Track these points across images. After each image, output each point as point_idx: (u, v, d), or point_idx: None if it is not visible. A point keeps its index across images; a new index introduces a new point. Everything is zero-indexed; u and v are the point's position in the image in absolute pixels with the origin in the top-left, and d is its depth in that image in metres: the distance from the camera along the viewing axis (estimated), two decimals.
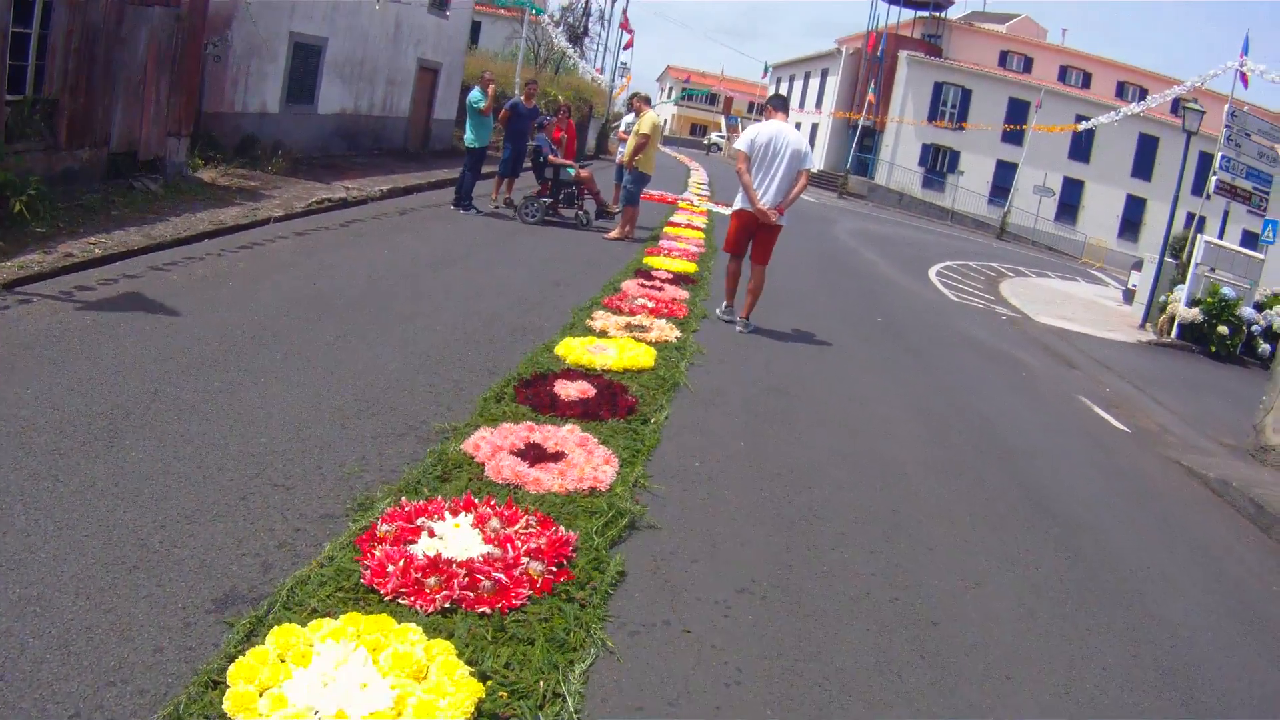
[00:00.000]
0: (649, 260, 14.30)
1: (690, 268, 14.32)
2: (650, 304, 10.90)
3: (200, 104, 15.56)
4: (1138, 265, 26.33)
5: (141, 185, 12.82)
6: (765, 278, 11.04)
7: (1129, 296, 24.71)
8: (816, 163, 57.27)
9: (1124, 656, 4.96)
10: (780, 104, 11.26)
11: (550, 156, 17.09)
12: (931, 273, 23.13)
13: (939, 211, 50.86)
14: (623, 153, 17.56)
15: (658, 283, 12.43)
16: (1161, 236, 50.97)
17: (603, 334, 9.32)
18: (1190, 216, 52.36)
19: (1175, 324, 18.40)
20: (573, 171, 17.23)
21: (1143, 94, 54.68)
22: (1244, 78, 22.73)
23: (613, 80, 43.94)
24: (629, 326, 9.69)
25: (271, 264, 10.53)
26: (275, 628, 3.55)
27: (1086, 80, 57.55)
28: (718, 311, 11.33)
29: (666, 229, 19.03)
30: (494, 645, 3.73)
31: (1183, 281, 18.97)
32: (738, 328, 10.85)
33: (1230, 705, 4.77)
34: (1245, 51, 22.74)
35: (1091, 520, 7.08)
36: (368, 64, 22.63)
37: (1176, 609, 5.78)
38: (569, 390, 7.17)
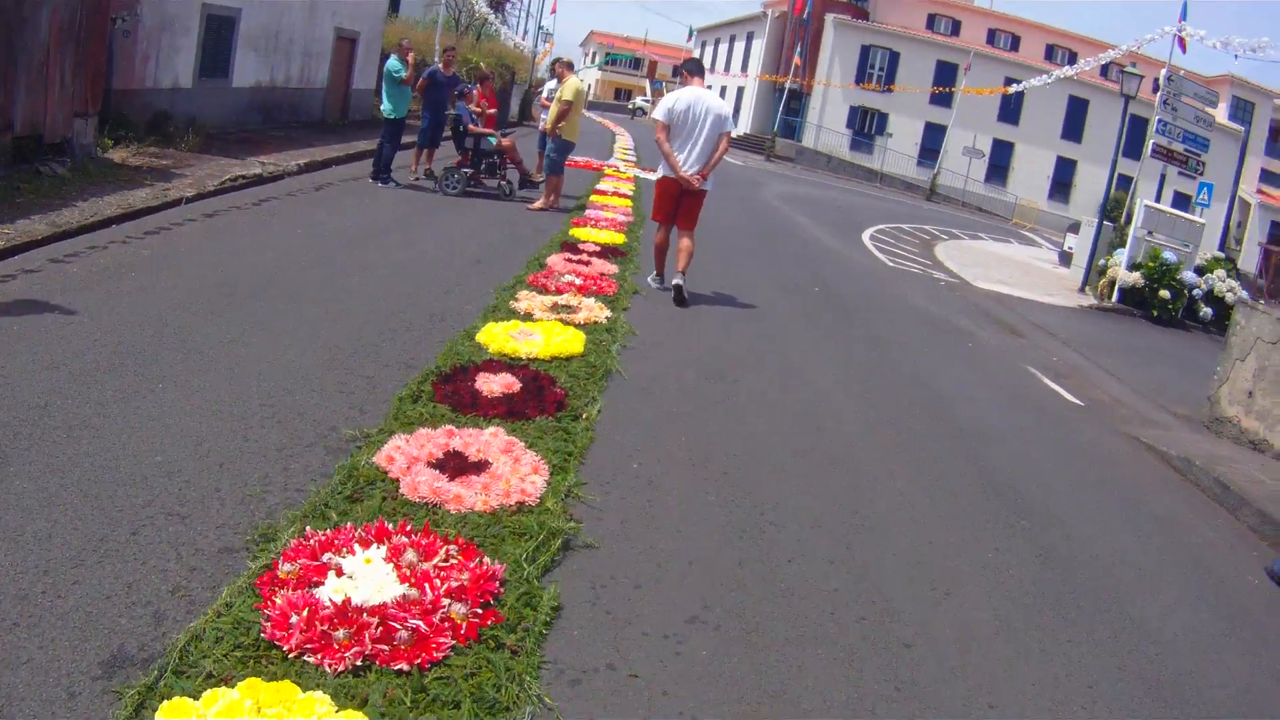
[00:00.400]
0: (575, 232, 13.73)
1: (618, 238, 13.77)
2: (578, 280, 10.33)
3: (109, 82, 14.90)
4: (1073, 228, 26.24)
5: (48, 169, 12.06)
6: (694, 241, 10.87)
7: (1065, 259, 24.63)
8: (742, 126, 57.73)
9: (1109, 670, 4.55)
10: (695, 68, 11.12)
11: (470, 126, 16.41)
12: (865, 237, 22.76)
13: (867, 174, 50.66)
14: (545, 120, 16.85)
15: (585, 256, 11.86)
16: (1094, 198, 52.00)
17: (528, 317, 8.74)
18: (1123, 179, 53.35)
19: (1116, 288, 18.23)
20: (494, 140, 16.57)
21: (1072, 57, 54.93)
22: (1181, 42, 22.53)
23: (535, 46, 43.11)
24: (556, 307, 9.12)
25: (178, 250, 9.74)
26: (164, 703, 3.06)
27: (1015, 43, 57.63)
28: (648, 280, 11.29)
29: (592, 197, 18.43)
30: (414, 710, 3.23)
31: (1122, 245, 18.78)
32: (674, 280, 10.67)
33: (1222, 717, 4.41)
34: (1184, 16, 22.50)
35: (1058, 510, 6.66)
36: (284, 35, 21.77)
37: (1155, 610, 5.38)
38: (492, 385, 6.59)
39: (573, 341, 7.89)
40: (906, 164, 51.32)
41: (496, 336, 7.80)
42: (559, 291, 9.80)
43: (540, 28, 46.09)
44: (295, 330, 7.57)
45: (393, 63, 16.18)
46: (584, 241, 13.03)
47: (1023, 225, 44.48)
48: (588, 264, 11.39)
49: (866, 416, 8.01)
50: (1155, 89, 50.86)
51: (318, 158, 17.78)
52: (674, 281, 10.64)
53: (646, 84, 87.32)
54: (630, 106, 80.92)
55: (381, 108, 16.50)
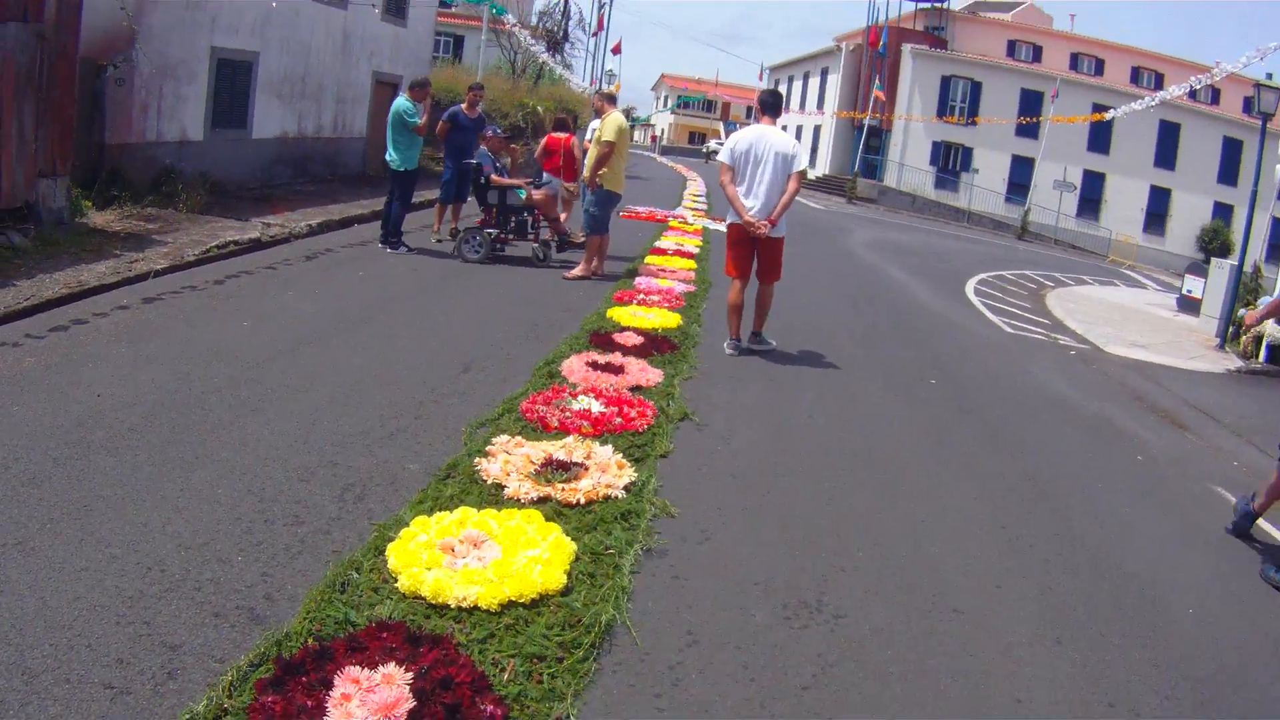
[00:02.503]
0: (615, 313, 10.37)
1: (671, 320, 10.37)
2: (597, 405, 7.00)
3: (101, 136, 13.50)
4: (1193, 268, 22.83)
5: (3, 239, 10.20)
6: (773, 296, 9.95)
7: (1185, 305, 21.35)
8: (821, 166, 54.18)
9: None
10: (770, 103, 9.83)
11: (494, 177, 13.11)
12: (969, 290, 19.36)
13: (954, 213, 46.79)
14: (585, 167, 13.45)
15: (618, 356, 8.49)
16: (1191, 230, 47.80)
17: (495, 493, 5.45)
18: (1218, 206, 49.01)
19: (1264, 345, 14.95)
20: (523, 194, 13.23)
21: (1159, 79, 50.97)
22: None
23: (599, 87, 39.92)
24: (548, 469, 5.78)
25: (73, 358, 7.22)
26: None
27: (1099, 67, 53.52)
28: (724, 345, 9.84)
29: (648, 259, 15.08)
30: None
31: (1265, 292, 15.09)
32: (754, 346, 9.91)
33: None
34: None
35: None
36: (312, 80, 19.55)
37: None
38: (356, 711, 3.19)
39: (549, 568, 4.48)
40: (994, 201, 47.37)
41: (414, 556, 4.47)
42: (562, 430, 6.47)
43: (608, 71, 43.06)
44: (134, 512, 4.79)
45: (403, 103, 13.25)
46: (623, 329, 9.66)
47: (1121, 263, 40.38)
48: (619, 370, 8.04)
49: (1031, 612, 4.76)
50: (1245, 109, 46.99)
51: (336, 216, 15.33)
52: (754, 347, 9.83)
53: (720, 126, 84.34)
54: (704, 150, 77.90)
55: (387, 158, 13.45)
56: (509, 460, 5.74)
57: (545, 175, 14.82)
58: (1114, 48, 54.68)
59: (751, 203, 9.34)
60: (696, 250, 17.03)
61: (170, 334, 8.12)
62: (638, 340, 9.13)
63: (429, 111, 13.81)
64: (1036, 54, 53.67)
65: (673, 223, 21.26)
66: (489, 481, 5.51)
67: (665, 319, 10.34)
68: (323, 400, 6.81)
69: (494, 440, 6.11)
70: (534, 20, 40.60)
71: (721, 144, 60.76)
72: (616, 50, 47.52)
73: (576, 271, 12.72)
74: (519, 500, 5.30)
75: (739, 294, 9.68)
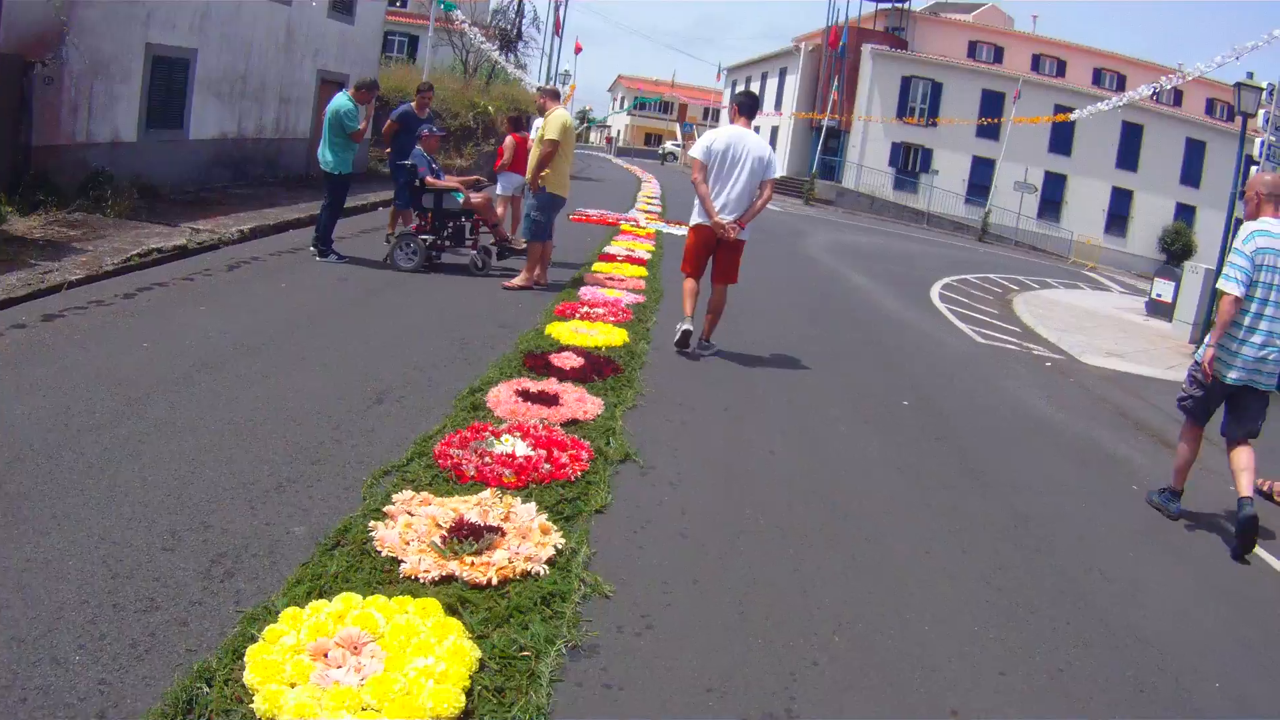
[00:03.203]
0: (554, 330, 9.33)
1: (616, 337, 9.36)
2: (522, 448, 5.94)
3: (28, 138, 12.63)
4: (1163, 272, 22.15)
5: None
6: (727, 297, 9.66)
7: (1155, 309, 20.67)
8: (779, 167, 53.11)
9: None
10: (747, 104, 9.60)
11: (429, 179, 12.06)
12: (934, 295, 18.56)
13: (913, 214, 46.06)
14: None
15: (553, 382, 7.50)
16: (1153, 231, 47.28)
17: (387, 575, 4.41)
18: (1180, 208, 48.58)
19: None
20: (461, 197, 12.18)
21: (1121, 80, 50.62)
22: None
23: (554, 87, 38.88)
24: (455, 540, 4.70)
25: None
26: None
27: (1061, 69, 53.09)
28: (678, 325, 9.52)
29: (596, 266, 14.06)
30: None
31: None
32: (701, 352, 9.55)
33: None
34: None
35: None
36: (253, 79, 18.53)
37: None
38: None
39: (444, 688, 3.47)
40: (954, 202, 46.68)
41: (277, 666, 3.50)
42: (480, 480, 5.42)
43: (563, 71, 42.02)
44: None
45: (343, 102, 12.15)
46: (562, 348, 8.64)
47: (1083, 265, 39.81)
48: (553, 400, 7.01)
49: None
50: (1208, 110, 46.50)
51: (270, 221, 14.30)
52: (688, 332, 9.43)
53: (676, 127, 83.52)
54: (660, 152, 76.94)
55: (320, 159, 12.31)
56: (410, 524, 4.72)
57: (502, 176, 13.93)
58: (1076, 49, 54.25)
59: (722, 203, 9.07)
60: (648, 256, 16.02)
61: (62, 358, 7.11)
62: (577, 362, 8.11)
63: (371, 115, 12.76)
64: (998, 55, 53.14)
65: (624, 226, 20.24)
66: (384, 553, 4.48)
67: (610, 335, 9.33)
68: (209, 441, 5.78)
69: (396, 496, 5.07)
70: (488, 19, 39.48)
71: (679, 145, 60.10)
72: (578, 49, 46.61)
73: (516, 281, 11.71)
74: (418, 579, 4.28)
75: (694, 286, 9.47)
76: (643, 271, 14.10)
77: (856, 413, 8.46)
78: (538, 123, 12.40)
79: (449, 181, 12.38)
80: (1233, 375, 6.66)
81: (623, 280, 12.97)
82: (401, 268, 11.97)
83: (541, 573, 4.41)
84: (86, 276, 9.71)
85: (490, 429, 6.16)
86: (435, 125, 13.21)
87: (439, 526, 4.74)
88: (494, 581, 4.28)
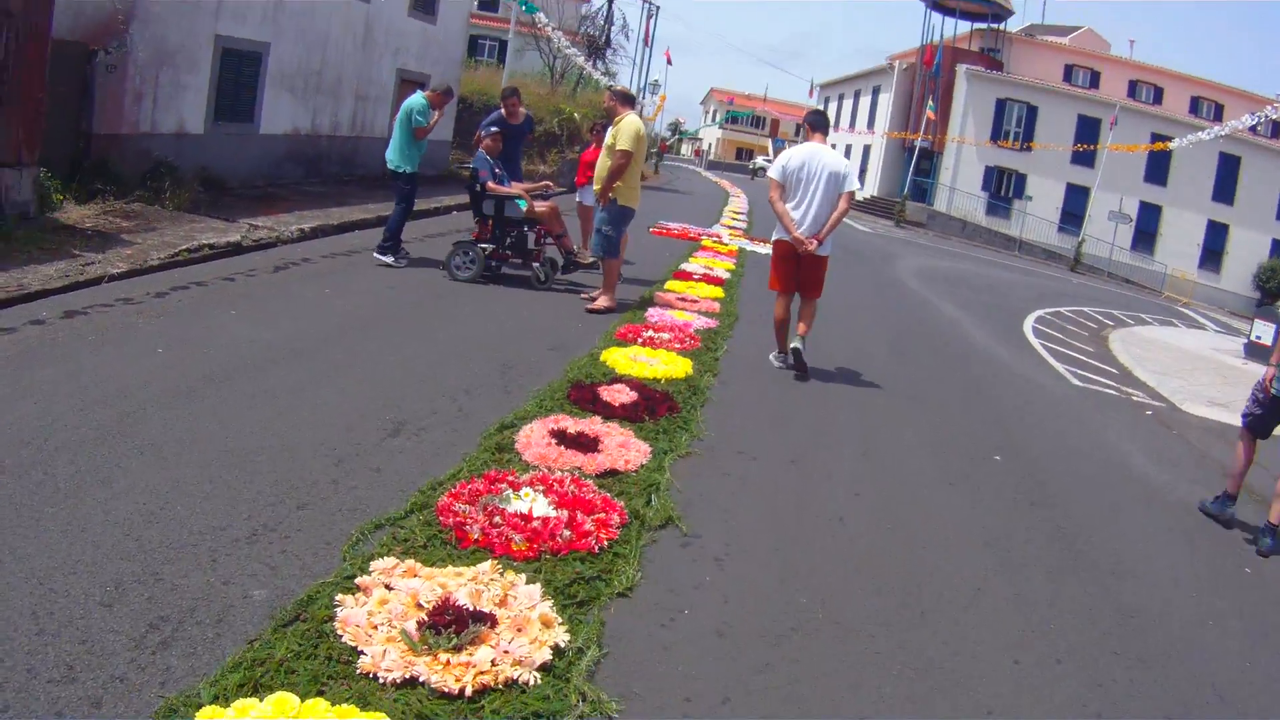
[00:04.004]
0: (610, 356, 8.36)
1: (679, 368, 8.36)
2: (542, 506, 4.99)
3: (89, 125, 12.37)
4: (1264, 313, 20.65)
5: None
6: (817, 311, 9.57)
7: (1253, 351, 19.14)
8: (869, 188, 51.92)
9: None
10: (819, 122, 9.57)
11: (490, 184, 11.16)
12: (1027, 328, 17.19)
13: (1005, 240, 44.36)
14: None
15: (597, 421, 6.51)
16: (1247, 268, 45.08)
17: (344, 668, 3.51)
18: (1277, 244, 46.28)
19: None
20: (524, 205, 11.27)
21: (1219, 110, 48.63)
22: None
23: (642, 97, 37.97)
24: (433, 630, 3.77)
25: None
26: None
27: (1158, 96, 51.00)
28: (771, 358, 9.70)
29: (669, 284, 13.03)
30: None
31: None
32: (793, 343, 9.32)
33: None
34: None
35: None
36: (329, 74, 18.05)
37: None
38: None
39: None
40: (1047, 230, 44.89)
41: None
42: (484, 546, 4.44)
43: (652, 81, 41.15)
44: None
45: (417, 99, 11.64)
46: (615, 379, 7.65)
47: (1177, 300, 37.95)
48: (592, 445, 6.02)
49: None
50: None
51: (334, 221, 13.68)
52: (792, 345, 9.30)
53: (769, 142, 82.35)
54: (751, 166, 75.82)
55: (387, 158, 11.75)
56: (385, 602, 3.80)
57: (580, 188, 13.04)
58: (1173, 76, 52.13)
59: (800, 219, 9.01)
60: (727, 275, 14.98)
61: (69, 360, 6.46)
62: (629, 398, 7.11)
63: (438, 118, 12.00)
64: (1094, 80, 51.23)
65: (706, 242, 19.19)
66: (345, 638, 3.55)
67: (672, 366, 8.32)
68: (191, 472, 5.00)
69: (375, 564, 4.13)
70: (577, 26, 38.72)
71: (769, 160, 59.17)
72: (668, 60, 45.71)
73: (600, 303, 10.75)
74: (377, 678, 3.33)
75: (784, 309, 9.43)
76: (719, 293, 13.07)
77: (941, 468, 7.36)
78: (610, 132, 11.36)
79: (513, 189, 11.45)
80: None
81: (696, 302, 11.97)
82: (458, 278, 11.10)
83: (531, 681, 3.45)
84: (129, 270, 9.22)
85: (510, 479, 5.19)
86: (483, 127, 12.33)
87: (419, 607, 3.80)
88: (468, 691, 3.33)
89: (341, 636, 3.59)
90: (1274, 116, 28.80)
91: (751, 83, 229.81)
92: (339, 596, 3.85)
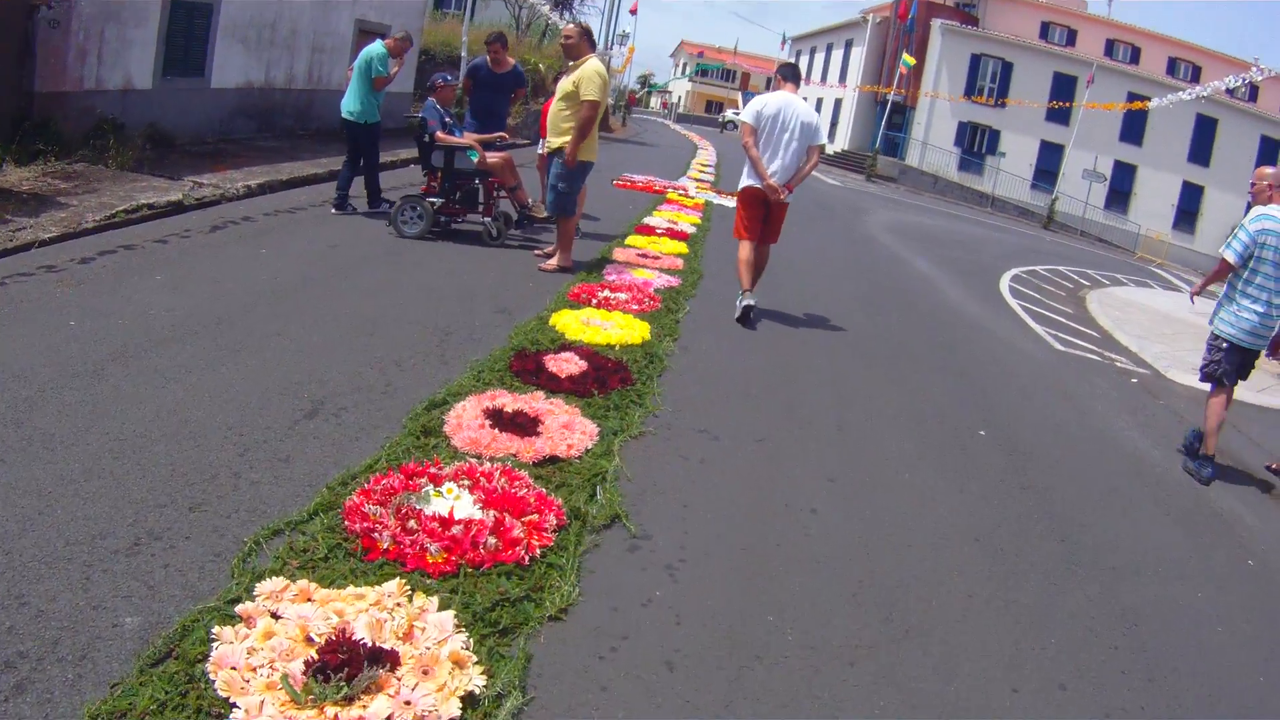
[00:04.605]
0: (560, 320, 7.64)
1: (636, 332, 7.65)
2: (466, 505, 4.29)
3: (30, 84, 11.63)
4: None
5: None
6: (769, 255, 9.54)
7: None
8: (840, 141, 51.13)
9: None
10: (791, 74, 9.50)
11: (439, 134, 10.37)
12: (1004, 288, 16.54)
13: (978, 197, 43.70)
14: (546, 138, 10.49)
15: (539, 397, 5.78)
16: (1223, 230, 44.61)
17: None
18: (1252, 207, 45.84)
19: None
20: (475, 156, 10.48)
21: (1196, 72, 48.12)
22: None
23: (608, 49, 36.98)
24: (323, 668, 3.10)
25: None
26: None
27: (1135, 55, 50.30)
28: (738, 300, 9.25)
29: (630, 239, 12.29)
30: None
31: None
32: (740, 302, 9.11)
33: None
34: None
35: None
36: (283, 26, 17.11)
37: None
38: None
39: None
40: (1020, 187, 44.26)
41: None
42: (395, 559, 3.75)
43: (620, 33, 40.12)
44: None
45: (376, 47, 11.03)
46: (564, 346, 6.91)
47: (1150, 260, 37.45)
48: (532, 427, 5.31)
49: None
50: None
51: (283, 176, 12.83)
52: (749, 307, 9.10)
53: (739, 96, 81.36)
54: (720, 120, 74.82)
55: (343, 109, 11.17)
56: (270, 635, 3.10)
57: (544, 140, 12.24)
58: (1151, 36, 51.40)
59: (775, 167, 8.92)
60: (693, 230, 14.24)
61: None
62: (577, 368, 6.39)
63: (399, 67, 11.43)
64: (1070, 37, 50.47)
65: (671, 195, 18.38)
66: (216, 684, 2.85)
67: (629, 329, 7.60)
68: (79, 467, 4.28)
69: (262, 586, 3.42)
70: None
71: (739, 114, 58.37)
72: (633, 10, 44.60)
73: (553, 263, 9.96)
74: None
75: (751, 251, 9.24)
76: (683, 248, 12.33)
77: (922, 446, 6.70)
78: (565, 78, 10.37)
79: (463, 139, 10.65)
80: (1247, 340, 7.46)
81: (658, 258, 11.24)
82: (405, 234, 10.32)
83: None
84: (62, 234, 8.48)
85: (431, 471, 4.46)
86: (439, 74, 11.53)
87: (308, 642, 3.10)
88: None
89: (214, 680, 2.90)
90: (1258, 79, 28.30)
91: (722, 36, 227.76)
92: (216, 629, 3.14)
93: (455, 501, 4.17)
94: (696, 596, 4.03)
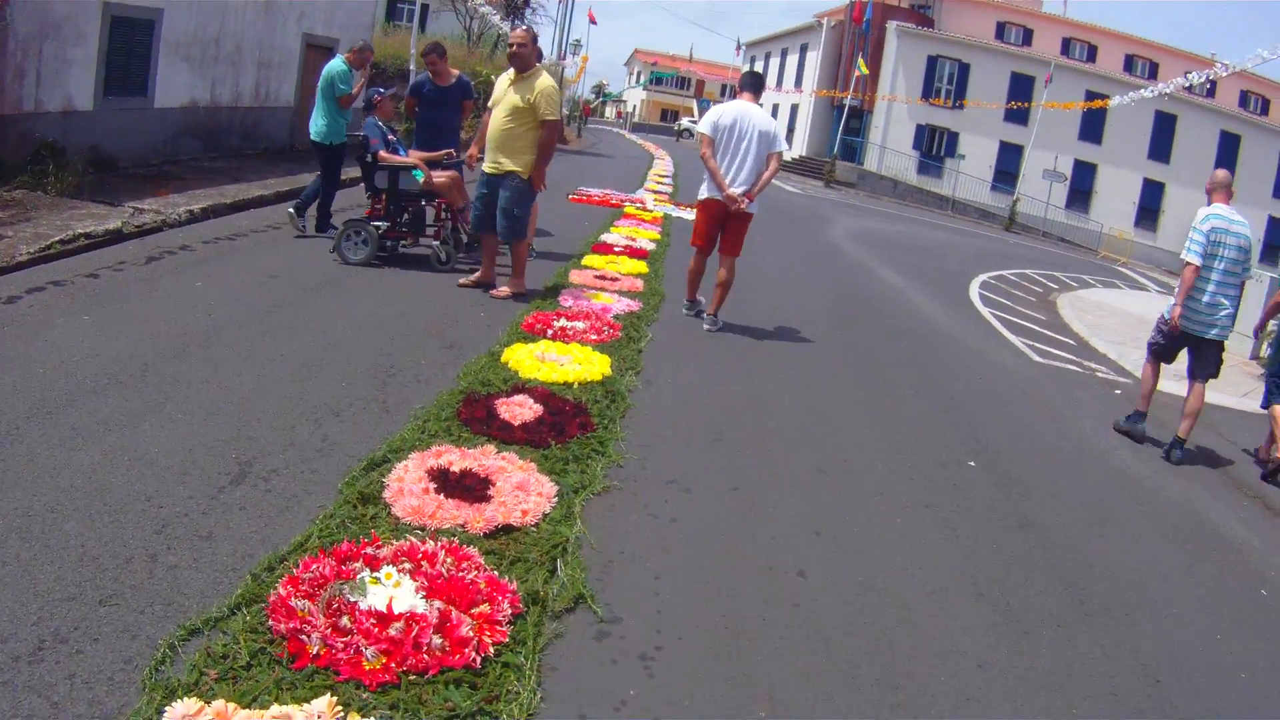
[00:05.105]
0: (513, 356, 7.11)
1: (595, 368, 7.13)
2: (407, 597, 3.77)
3: None
4: None
5: None
6: (735, 271, 9.38)
7: None
8: (798, 148, 50.82)
9: None
10: (752, 83, 9.38)
11: (382, 153, 9.83)
12: (974, 295, 16.23)
13: (938, 200, 43.55)
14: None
15: (490, 452, 5.22)
16: (1184, 226, 44.66)
17: None
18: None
19: None
20: (420, 176, 9.94)
21: (1153, 69, 48.30)
22: None
23: (560, 58, 36.48)
24: None
25: None
26: None
27: (1092, 54, 50.43)
28: (682, 309, 9.65)
29: (587, 258, 11.80)
30: None
31: None
32: (705, 325, 9.27)
33: None
34: None
35: None
36: (228, 42, 16.50)
37: None
38: None
39: None
40: (980, 189, 44.13)
41: None
42: (325, 664, 3.31)
43: (574, 41, 39.65)
44: None
45: (336, 64, 10.61)
46: (517, 388, 6.39)
47: (1114, 260, 37.39)
48: (482, 491, 4.78)
49: None
50: (1242, 103, 44.06)
51: (228, 199, 12.35)
52: (705, 327, 9.20)
53: (694, 104, 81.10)
54: (676, 128, 74.50)
55: (311, 128, 10.76)
56: None
57: None
58: (1107, 34, 51.57)
59: (731, 177, 8.92)
60: (652, 246, 13.76)
61: None
62: (532, 413, 5.85)
63: (365, 81, 11.07)
64: (1027, 37, 50.51)
65: (629, 209, 17.87)
66: None
67: (587, 364, 7.08)
68: None
69: (173, 708, 2.89)
70: None
71: (695, 122, 57.93)
72: (591, 20, 44.19)
73: (506, 289, 9.40)
74: None
75: (700, 264, 9.52)
76: (642, 267, 11.84)
77: (910, 483, 6.22)
78: (505, 81, 9.20)
79: (408, 158, 10.11)
80: (1190, 326, 8.15)
81: (616, 280, 10.73)
82: (349, 260, 9.77)
83: None
84: None
85: (368, 552, 3.92)
86: (377, 89, 10.98)
87: None
88: None
89: None
90: (1223, 75, 28.25)
91: (677, 43, 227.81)
92: None
93: (395, 590, 3.64)
94: (676, 693, 3.51)
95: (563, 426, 5.66)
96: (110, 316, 7.12)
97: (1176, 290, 8.18)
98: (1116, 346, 13.91)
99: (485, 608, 3.58)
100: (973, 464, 6.89)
